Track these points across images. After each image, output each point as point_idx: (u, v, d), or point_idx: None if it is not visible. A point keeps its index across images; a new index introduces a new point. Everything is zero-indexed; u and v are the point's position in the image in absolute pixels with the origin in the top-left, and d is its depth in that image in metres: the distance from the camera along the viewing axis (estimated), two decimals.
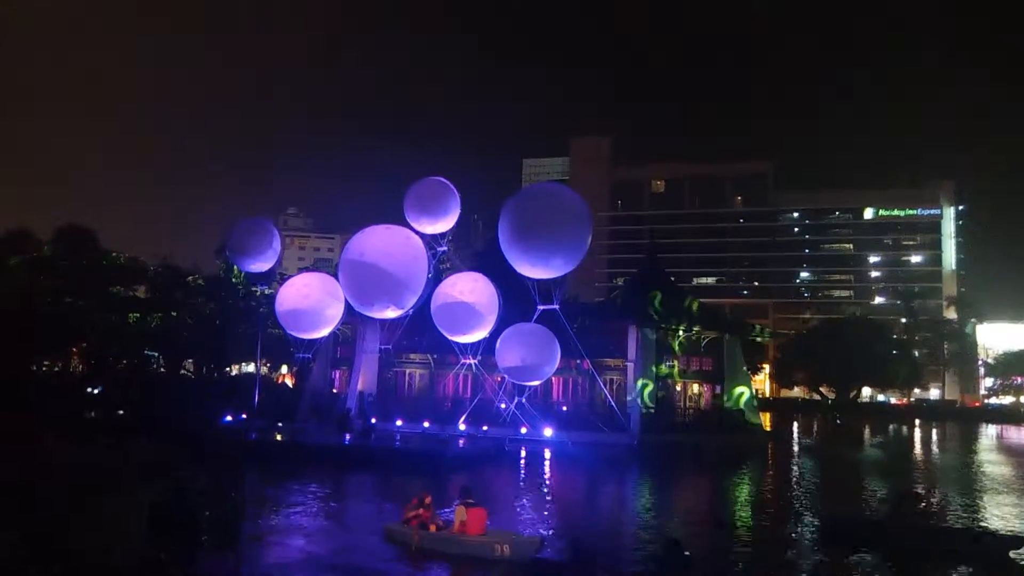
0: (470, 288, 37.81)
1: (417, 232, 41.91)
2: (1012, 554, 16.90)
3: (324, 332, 42.01)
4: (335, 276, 41.74)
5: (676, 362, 46.27)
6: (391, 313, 38.97)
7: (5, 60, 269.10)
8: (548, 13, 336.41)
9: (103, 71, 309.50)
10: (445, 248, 45.09)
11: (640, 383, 42.02)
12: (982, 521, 21.76)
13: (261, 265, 44.06)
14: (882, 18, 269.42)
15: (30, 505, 17.96)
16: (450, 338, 38.68)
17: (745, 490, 29.84)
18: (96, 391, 53.58)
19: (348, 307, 41.01)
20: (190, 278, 69.77)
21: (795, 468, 38.36)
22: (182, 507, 14.17)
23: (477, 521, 15.47)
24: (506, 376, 38.13)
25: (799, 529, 20.49)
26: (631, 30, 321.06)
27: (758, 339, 60.87)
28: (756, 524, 21.75)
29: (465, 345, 39.33)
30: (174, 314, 66.59)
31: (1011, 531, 19.92)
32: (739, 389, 47.67)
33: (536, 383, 38.53)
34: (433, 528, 15.76)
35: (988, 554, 16.63)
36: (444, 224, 43.54)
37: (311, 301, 40.51)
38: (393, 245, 38.36)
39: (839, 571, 16.02)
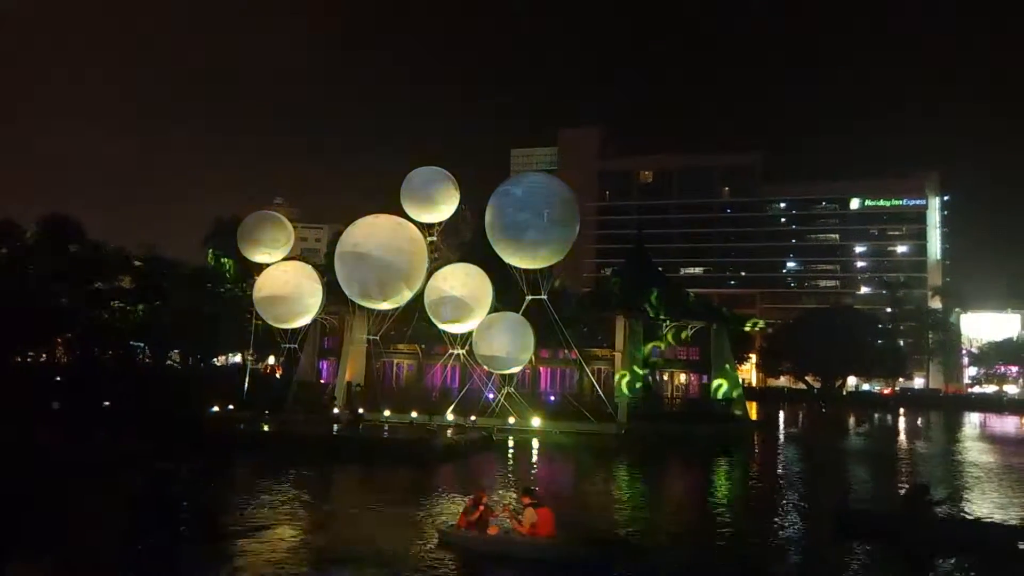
0: (462, 281, 37.78)
1: (412, 220, 41.93)
2: (1021, 544, 16.87)
3: (303, 322, 41.80)
4: (315, 266, 41.74)
5: (663, 351, 46.49)
6: (388, 305, 38.80)
7: (3, 57, 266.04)
8: (538, 8, 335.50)
9: (97, 68, 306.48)
10: (434, 238, 45.04)
11: (618, 375, 42.21)
12: (972, 510, 21.80)
13: (271, 256, 44.09)
14: (869, 13, 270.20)
15: (16, 498, 17.86)
16: (443, 327, 38.64)
17: (737, 480, 29.93)
18: (72, 381, 53.15)
19: (336, 297, 40.89)
20: (174, 269, 69.43)
21: (782, 457, 38.62)
22: (161, 498, 14.10)
23: (547, 521, 14.49)
24: (484, 365, 38.18)
25: (804, 521, 20.45)
26: (618, 25, 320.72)
27: (747, 329, 61.15)
28: (757, 516, 21.58)
29: (453, 335, 39.33)
30: (158, 303, 66.24)
31: (1019, 520, 19.94)
32: (726, 378, 47.92)
33: (513, 370, 38.53)
34: (494, 530, 14.94)
35: (997, 545, 16.61)
36: (441, 213, 43.39)
37: (289, 290, 40.36)
38: (392, 236, 37.98)
39: (852, 563, 15.97)
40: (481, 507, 15.16)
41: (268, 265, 44.03)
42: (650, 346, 45.02)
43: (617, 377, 42.21)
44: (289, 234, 44.70)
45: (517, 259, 36.86)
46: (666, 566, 15.25)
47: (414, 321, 41.71)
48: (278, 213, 48.39)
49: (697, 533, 18.85)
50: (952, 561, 16.17)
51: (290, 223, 46.56)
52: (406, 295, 37.79)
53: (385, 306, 39.00)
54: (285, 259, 45.26)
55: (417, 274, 37.63)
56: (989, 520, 19.72)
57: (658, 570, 14.95)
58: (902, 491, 23.18)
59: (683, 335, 46.95)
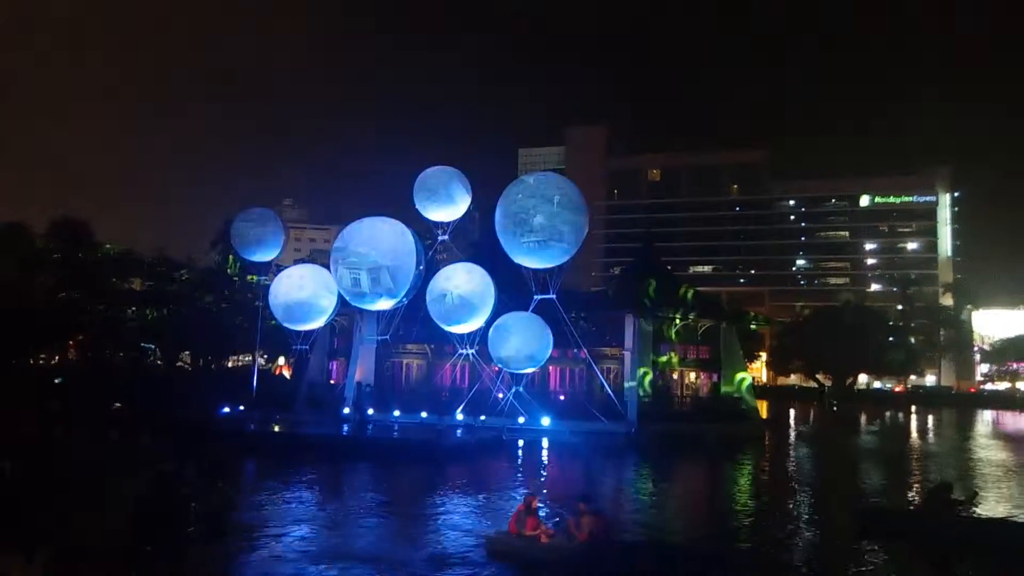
0: (464, 279, 37.75)
1: (424, 219, 42.16)
2: None
3: (318, 324, 41.97)
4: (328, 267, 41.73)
5: (673, 351, 46.31)
6: (384, 304, 38.92)
7: (5, 58, 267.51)
8: (541, 5, 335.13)
9: (99, 67, 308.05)
10: (446, 236, 45.08)
11: (641, 371, 42.09)
12: (993, 510, 21.39)
13: (265, 255, 44.18)
14: (874, 11, 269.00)
15: (24, 497, 17.88)
16: (445, 329, 38.64)
17: (750, 480, 29.71)
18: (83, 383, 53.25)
19: (343, 297, 40.97)
20: (184, 272, 69.61)
21: (794, 456, 38.38)
22: (167, 499, 14.00)
23: (605, 528, 14.23)
24: (500, 365, 38.08)
25: (822, 521, 20.20)
26: (625, 22, 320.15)
27: (753, 326, 60.78)
28: (773, 517, 21.28)
29: (462, 335, 39.31)
30: (166, 310, 66.46)
31: None
32: (737, 377, 47.69)
33: (529, 370, 38.46)
34: (544, 538, 14.25)
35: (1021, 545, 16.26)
36: (452, 212, 43.46)
37: (306, 293, 40.51)
38: (381, 237, 38.28)
39: (874, 564, 15.76)
40: (532, 512, 14.51)
41: (272, 263, 44.16)
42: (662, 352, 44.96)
43: (640, 373, 42.10)
44: (281, 232, 44.61)
45: (523, 251, 36.48)
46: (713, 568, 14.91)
47: (422, 314, 41.69)
48: (271, 211, 48.13)
49: (716, 535, 18.59)
50: (977, 562, 15.90)
51: (281, 221, 46.47)
52: (398, 293, 37.85)
53: (381, 305, 39.08)
54: (299, 261, 45.36)
55: (407, 271, 37.74)
56: (1015, 520, 19.35)
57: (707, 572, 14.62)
58: (923, 490, 22.93)
59: (690, 324, 46.50)
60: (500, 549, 14.56)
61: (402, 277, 37.45)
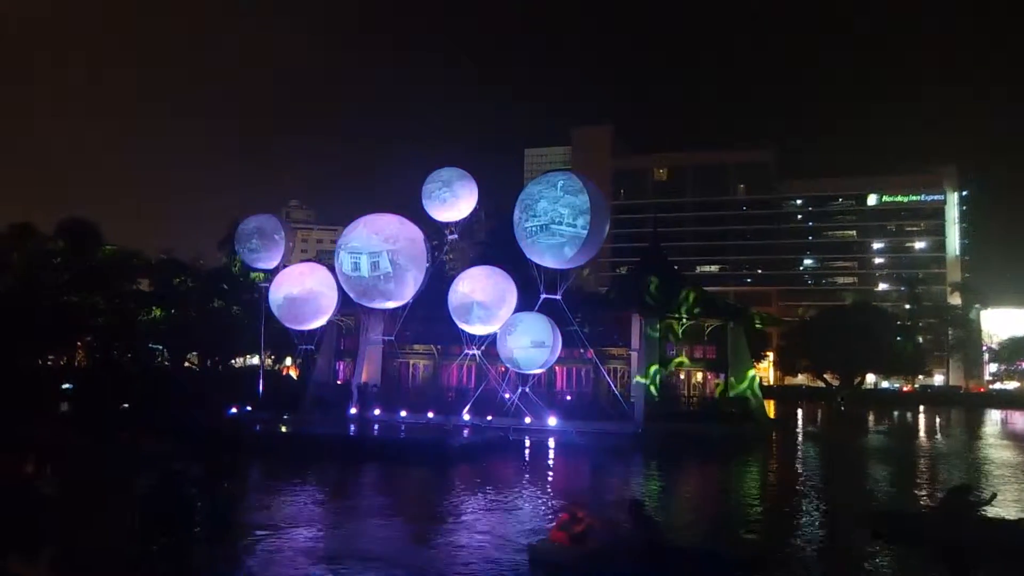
0: (482, 285, 37.74)
1: (432, 219, 42.18)
2: None
3: (319, 323, 41.84)
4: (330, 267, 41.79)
5: (680, 351, 46.19)
6: (390, 304, 38.87)
7: (6, 58, 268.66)
8: (549, 5, 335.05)
9: (103, 69, 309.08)
10: (456, 235, 45.07)
11: (647, 372, 42.01)
12: (1009, 511, 21.06)
13: (268, 262, 43.94)
14: (880, 10, 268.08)
15: (32, 499, 17.93)
16: (467, 330, 38.55)
17: (757, 481, 29.55)
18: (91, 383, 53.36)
19: (348, 298, 40.94)
20: (202, 263, 69.86)
21: (802, 457, 38.17)
22: (172, 498, 14.04)
23: (655, 534, 13.91)
24: (508, 365, 38.00)
25: (833, 523, 19.97)
26: (633, 20, 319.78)
27: (762, 326, 60.59)
28: (782, 518, 20.93)
29: (470, 335, 39.29)
30: (173, 311, 66.63)
31: None
32: (743, 377, 47.51)
33: (538, 371, 38.39)
34: (590, 543, 13.73)
35: None
36: (460, 212, 43.52)
37: (304, 291, 40.42)
38: (383, 225, 38.31)
39: (889, 567, 15.61)
40: (578, 521, 13.94)
41: (280, 266, 44.10)
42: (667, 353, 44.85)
43: (652, 371, 42.03)
44: (282, 238, 44.36)
45: (529, 239, 36.21)
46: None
47: (429, 314, 41.64)
48: (275, 216, 47.86)
49: (729, 537, 18.40)
50: (994, 564, 15.67)
51: (284, 225, 46.26)
52: (408, 290, 37.78)
53: (388, 304, 39.02)
54: (301, 261, 45.24)
55: (408, 255, 37.67)
56: None
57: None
58: (936, 491, 22.70)
59: (696, 324, 46.43)
60: (542, 558, 14.10)
61: (403, 261, 37.27)
